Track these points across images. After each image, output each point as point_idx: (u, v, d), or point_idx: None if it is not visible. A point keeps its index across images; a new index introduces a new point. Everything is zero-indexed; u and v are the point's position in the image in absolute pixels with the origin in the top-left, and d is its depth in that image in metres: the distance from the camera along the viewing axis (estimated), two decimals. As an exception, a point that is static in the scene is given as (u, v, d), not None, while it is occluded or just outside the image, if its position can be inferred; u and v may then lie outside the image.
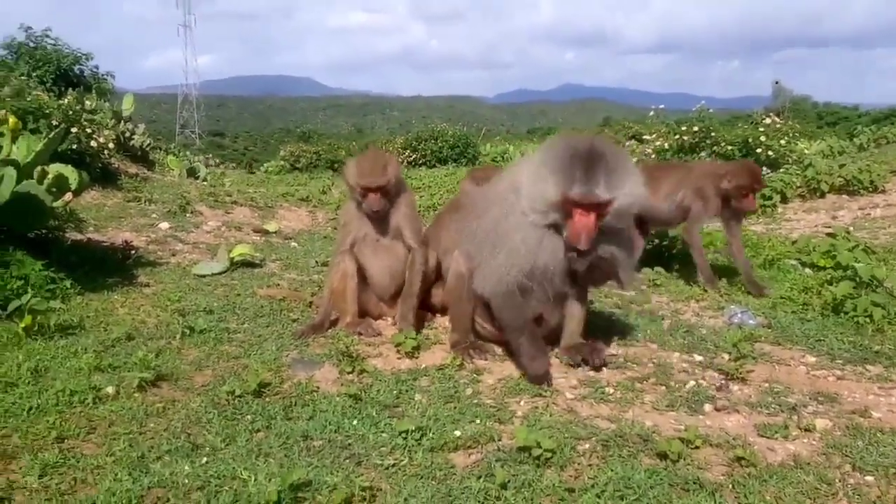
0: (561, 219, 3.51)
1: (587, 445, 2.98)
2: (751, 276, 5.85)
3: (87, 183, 5.86)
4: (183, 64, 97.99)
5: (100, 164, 8.94)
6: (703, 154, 12.38)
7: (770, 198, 11.12)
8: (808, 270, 6.27)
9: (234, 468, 2.75)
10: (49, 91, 12.52)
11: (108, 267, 5.62)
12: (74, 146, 8.23)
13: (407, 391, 3.56)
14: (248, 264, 6.22)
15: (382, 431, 3.09)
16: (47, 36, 16.13)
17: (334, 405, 3.36)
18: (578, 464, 2.84)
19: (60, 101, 9.55)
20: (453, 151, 21.83)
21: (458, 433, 3.06)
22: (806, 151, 13.74)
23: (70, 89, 12.97)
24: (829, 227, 8.98)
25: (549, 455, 2.82)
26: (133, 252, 6.10)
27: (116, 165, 9.87)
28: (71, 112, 8.79)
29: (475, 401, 3.45)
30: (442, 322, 4.75)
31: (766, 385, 3.71)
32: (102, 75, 16.95)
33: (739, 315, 4.93)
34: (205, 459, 2.84)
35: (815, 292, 5.38)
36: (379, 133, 78.86)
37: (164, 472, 2.71)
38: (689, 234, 6.09)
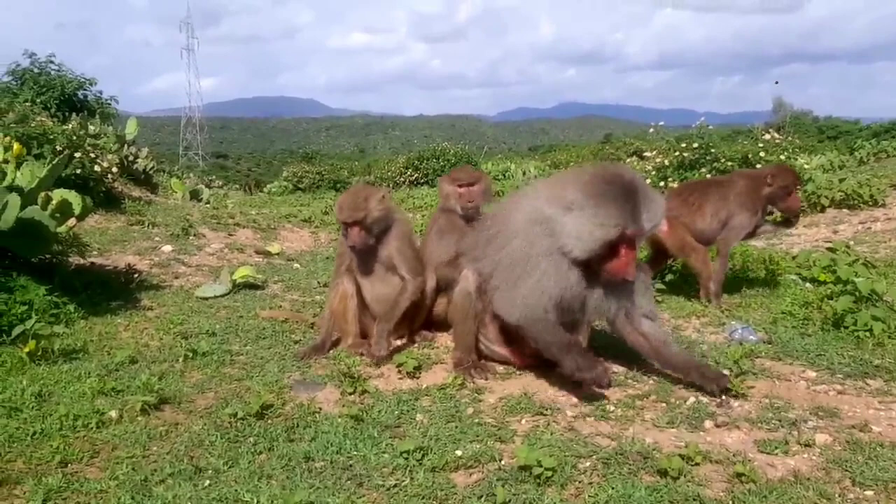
0: (605, 254, 3.61)
1: (588, 463, 2.99)
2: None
3: (91, 207, 5.91)
4: (186, 87, 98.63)
5: (103, 189, 9.01)
6: (703, 170, 12.40)
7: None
8: (808, 285, 6.27)
9: (236, 490, 2.77)
10: (53, 116, 12.62)
11: (112, 291, 5.66)
12: (78, 171, 8.30)
13: (408, 411, 3.58)
14: (250, 286, 6.26)
15: (384, 452, 3.11)
16: (51, 62, 16.27)
17: (336, 426, 3.38)
18: (579, 482, 2.85)
19: (64, 127, 9.63)
20: (455, 170, 21.90)
21: (459, 453, 3.08)
22: (806, 166, 13.74)
23: (74, 114, 13.07)
24: (830, 241, 8.97)
25: (549, 474, 2.83)
26: (136, 275, 6.14)
27: (120, 189, 9.94)
28: (75, 137, 8.87)
29: (476, 420, 3.46)
30: (443, 341, 4.77)
31: (767, 401, 3.72)
32: (106, 100, 17.07)
33: (740, 331, 4.94)
34: (207, 482, 2.86)
35: (815, 307, 5.38)
36: (381, 153, 79.16)
37: (167, 495, 2.73)
38: (727, 244, 6.10)
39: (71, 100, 15.80)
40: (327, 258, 8.30)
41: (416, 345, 4.68)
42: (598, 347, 4.59)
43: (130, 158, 11.45)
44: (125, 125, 12.38)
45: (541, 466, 2.85)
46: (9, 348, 4.25)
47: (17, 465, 2.94)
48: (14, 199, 4.84)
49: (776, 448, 3.13)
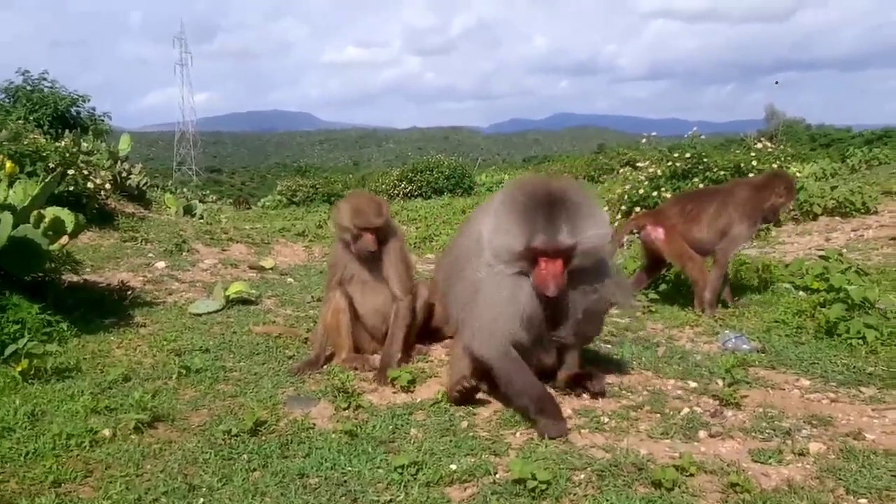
0: (527, 266, 3.49)
1: (582, 476, 2.99)
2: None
3: (84, 225, 5.90)
4: (180, 102, 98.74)
5: (96, 206, 9.00)
6: (696, 180, 12.43)
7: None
8: (801, 293, 6.29)
9: (230, 508, 2.76)
10: (46, 133, 12.62)
11: (105, 308, 5.65)
12: (71, 188, 8.28)
13: (402, 426, 3.58)
14: (243, 301, 6.25)
15: (378, 467, 3.11)
16: (44, 79, 16.31)
17: (330, 442, 3.37)
18: (574, 494, 2.84)
19: (57, 144, 9.63)
20: (449, 182, 21.98)
21: (453, 467, 3.07)
22: (798, 174, 13.81)
23: (67, 131, 13.06)
24: (823, 249, 9.00)
25: (544, 487, 2.83)
26: (129, 292, 6.13)
27: (113, 206, 9.93)
28: (68, 154, 8.87)
29: (470, 434, 3.46)
30: (437, 354, 4.77)
31: (761, 410, 3.72)
32: (99, 116, 17.10)
33: (733, 340, 4.95)
34: (201, 500, 2.85)
35: (808, 315, 5.39)
36: (375, 165, 79.27)
37: (161, 513, 2.72)
38: (726, 254, 6.10)
39: (64, 117, 15.82)
40: (321, 272, 8.30)
41: (410, 359, 4.66)
42: (590, 358, 4.61)
43: (124, 174, 11.44)
44: (118, 141, 12.36)
45: (535, 479, 2.84)
46: (1, 367, 4.23)
47: (10, 485, 2.92)
48: (6, 218, 4.84)
49: (770, 457, 3.14)
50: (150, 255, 7.96)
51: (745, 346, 4.86)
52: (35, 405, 3.69)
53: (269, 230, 11.34)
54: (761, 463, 3.11)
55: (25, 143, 8.83)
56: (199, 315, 5.80)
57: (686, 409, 3.73)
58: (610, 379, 4.20)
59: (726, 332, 5.20)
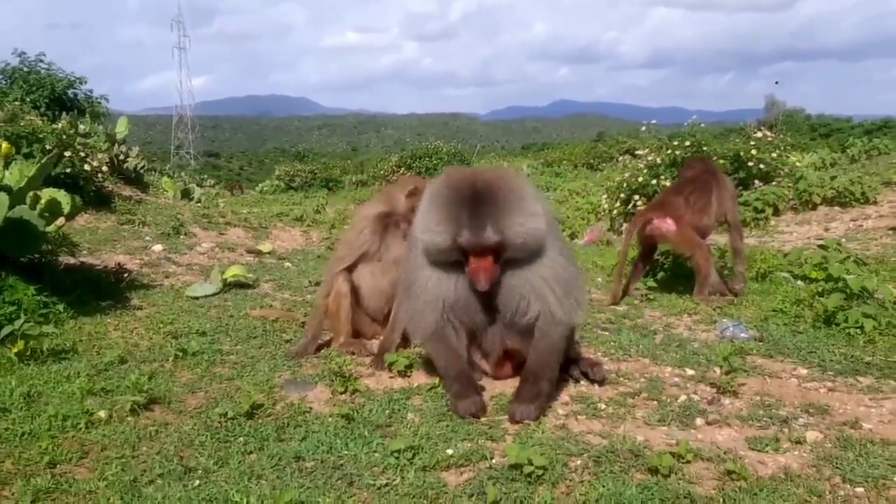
0: (460, 258, 3.45)
1: (579, 462, 2.98)
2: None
3: (80, 207, 5.87)
4: (177, 85, 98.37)
5: (93, 188, 8.97)
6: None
7: (762, 210, 11.17)
8: (800, 283, 6.29)
9: (226, 490, 2.75)
10: (43, 115, 12.57)
11: (102, 290, 5.63)
12: (68, 170, 8.26)
13: (399, 410, 3.57)
14: (241, 285, 6.24)
15: (375, 451, 3.10)
16: (41, 61, 16.25)
17: (327, 426, 3.36)
18: (570, 480, 2.84)
19: (54, 126, 9.59)
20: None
21: (450, 452, 3.06)
22: (798, 164, 13.77)
23: (64, 113, 13.02)
24: (822, 239, 9.00)
25: (540, 472, 2.82)
26: (126, 275, 6.11)
27: (110, 188, 9.90)
28: (65, 136, 8.83)
29: (467, 419, 3.45)
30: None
31: (758, 398, 3.72)
32: (96, 98, 17.06)
33: (731, 328, 4.95)
34: (197, 482, 2.84)
35: (806, 304, 5.39)
36: (374, 151, 79.15)
37: (157, 495, 2.71)
38: (742, 239, 6.56)
39: (61, 98, 15.78)
40: (318, 257, 8.29)
41: (409, 345, 4.65)
42: (588, 345, 4.61)
43: (121, 157, 11.40)
44: (116, 124, 12.31)
45: (532, 465, 2.84)
46: (-3, 349, 4.22)
47: (5, 465, 2.91)
48: (2, 199, 4.81)
49: (767, 445, 3.13)
50: (148, 238, 7.94)
51: (742, 335, 4.86)
52: (31, 386, 3.67)
53: (266, 215, 11.32)
54: (758, 451, 3.11)
55: (22, 124, 8.80)
56: (196, 298, 5.79)
57: (683, 397, 3.73)
58: (608, 366, 4.20)
59: (724, 320, 5.20)
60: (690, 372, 4.15)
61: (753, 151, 12.60)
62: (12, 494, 2.71)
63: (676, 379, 4.04)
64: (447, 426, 3.36)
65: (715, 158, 12.41)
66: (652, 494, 2.70)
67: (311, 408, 3.61)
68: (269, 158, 79.64)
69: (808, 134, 43.32)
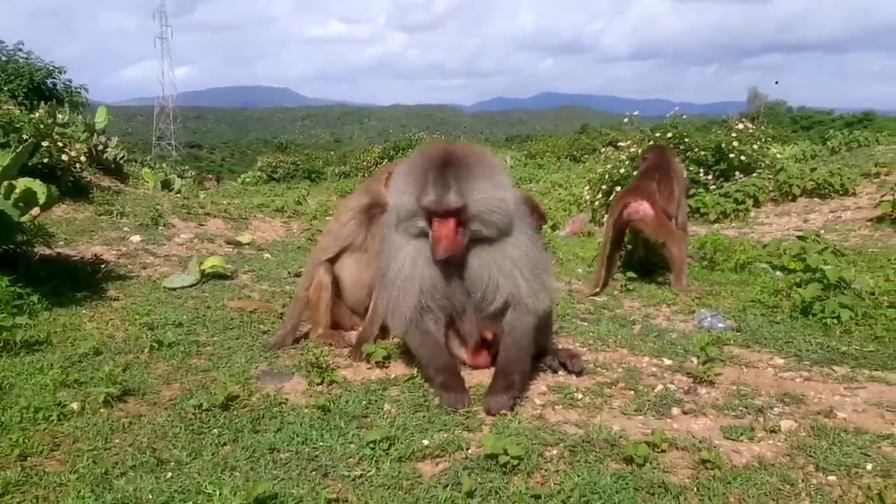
0: (427, 228, 3.44)
1: (554, 451, 2.98)
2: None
3: (56, 197, 5.80)
4: (159, 75, 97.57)
5: (71, 178, 8.86)
6: (677, 159, 12.45)
7: (743, 202, 11.22)
8: (778, 273, 6.33)
9: (199, 482, 2.73)
10: (21, 105, 12.40)
11: (78, 281, 5.57)
12: (45, 160, 8.15)
13: (376, 401, 3.55)
14: (219, 276, 6.19)
15: (350, 442, 3.08)
16: (20, 49, 16.05)
17: (302, 417, 3.34)
18: (545, 470, 2.84)
19: (32, 115, 9.45)
20: (431, 160, 21.94)
21: (426, 442, 3.05)
22: (779, 156, 13.84)
23: (42, 103, 12.85)
24: (801, 230, 9.07)
25: (516, 462, 2.82)
26: (103, 266, 6.05)
27: (88, 179, 9.79)
28: (42, 126, 8.71)
29: (449, 410, 3.44)
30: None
31: (734, 387, 3.74)
32: (76, 88, 16.86)
33: (709, 318, 4.97)
34: (169, 474, 2.81)
35: (784, 295, 5.42)
36: (357, 142, 78.93)
37: (128, 488, 2.68)
38: (685, 225, 6.58)
39: (39, 88, 15.59)
40: (299, 248, 8.25)
41: (386, 336, 4.63)
42: (566, 335, 4.61)
43: (100, 148, 11.27)
44: (95, 114, 12.16)
45: (507, 455, 2.83)
46: (-31, 340, 4.16)
47: (-25, 458, 2.88)
48: (-25, 189, 4.75)
49: (742, 434, 3.14)
50: (126, 228, 7.86)
51: (720, 325, 4.88)
52: (3, 378, 3.63)
53: (247, 206, 11.23)
54: (733, 440, 3.12)
55: (-1, 113, 8.67)
56: (174, 289, 5.74)
57: (660, 387, 3.73)
58: (586, 356, 4.20)
59: (702, 310, 5.22)
60: (668, 362, 4.16)
61: (735, 143, 12.66)
62: (-18, 487, 2.67)
63: (654, 369, 4.05)
64: (424, 417, 3.34)
65: (696, 150, 12.47)
66: (626, 484, 2.70)
67: (287, 399, 3.59)
68: (251, 149, 79.31)
69: (789, 126, 43.60)
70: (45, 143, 8.26)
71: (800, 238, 6.94)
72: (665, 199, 6.23)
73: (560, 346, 4.21)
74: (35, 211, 5.34)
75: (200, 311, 5.13)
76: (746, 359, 4.22)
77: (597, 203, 12.97)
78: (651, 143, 12.91)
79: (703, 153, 12.54)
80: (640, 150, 12.97)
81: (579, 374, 3.88)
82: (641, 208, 6.14)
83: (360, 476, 2.81)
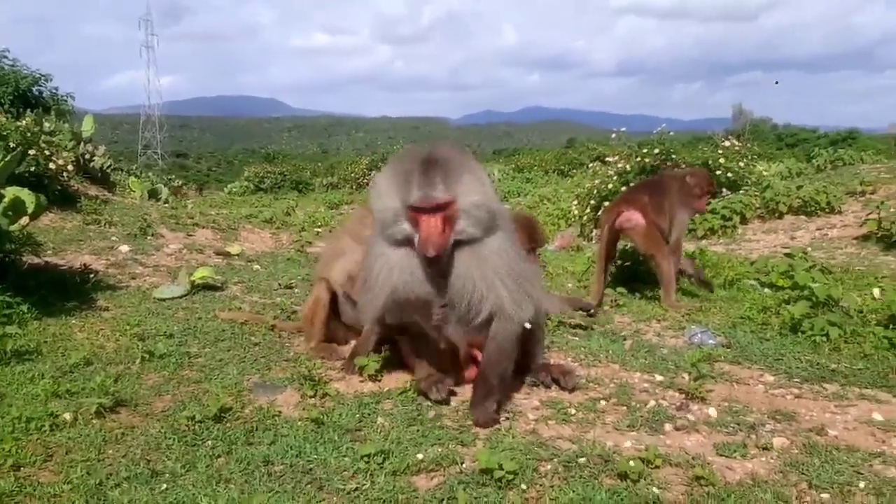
0: (413, 231, 3.44)
1: (549, 466, 2.99)
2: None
3: (45, 206, 5.77)
4: (145, 84, 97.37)
5: (58, 187, 8.82)
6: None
7: (730, 218, 11.29)
8: (766, 290, 6.37)
9: (193, 494, 2.72)
10: (7, 112, 12.33)
11: (67, 291, 5.54)
12: (32, 168, 8.11)
13: (369, 415, 3.55)
14: (209, 287, 6.16)
15: (344, 455, 3.08)
16: (5, 57, 16.02)
17: (296, 430, 3.34)
18: (540, 485, 2.85)
19: (18, 123, 9.40)
20: (418, 172, 21.96)
21: (420, 456, 3.05)
22: (765, 173, 13.98)
23: (28, 110, 12.79)
24: (788, 247, 9.13)
25: (510, 477, 2.83)
26: (92, 275, 6.01)
27: (76, 188, 9.74)
28: (29, 134, 8.66)
29: (438, 423, 3.44)
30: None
31: (726, 404, 3.76)
32: (62, 96, 16.83)
33: (699, 335, 4.99)
34: (164, 486, 2.81)
35: (773, 312, 5.46)
36: (344, 154, 78.89)
37: (123, 499, 2.68)
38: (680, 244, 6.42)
39: (25, 95, 15.54)
40: (288, 260, 8.23)
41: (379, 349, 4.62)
42: (558, 350, 4.63)
43: (87, 156, 11.21)
44: (82, 122, 12.11)
45: (502, 470, 2.84)
46: (-41, 349, 4.13)
47: (-34, 469, 2.86)
48: (-35, 197, 4.72)
49: (734, 451, 3.16)
50: (114, 238, 7.82)
51: (710, 341, 4.91)
52: (-7, 388, 3.61)
53: (235, 216, 11.20)
54: (726, 456, 3.14)
55: (-15, 121, 8.62)
56: (164, 300, 5.71)
57: (652, 402, 3.75)
58: (578, 371, 4.21)
59: (692, 326, 5.24)
60: (659, 378, 4.17)
61: (721, 160, 12.76)
62: (-27, 498, 2.65)
63: (646, 384, 4.07)
64: (418, 431, 3.35)
65: (684, 166, 12.56)
66: (621, 499, 2.72)
67: (280, 411, 3.58)
68: (238, 159, 79.13)
69: (774, 143, 43.98)
70: (31, 152, 8.22)
71: (787, 255, 6.97)
72: (655, 213, 6.20)
73: (552, 362, 4.22)
74: (24, 220, 5.31)
75: (191, 322, 5.11)
76: (737, 375, 4.24)
77: (585, 218, 13.02)
78: (639, 159, 13.02)
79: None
80: (627, 166, 13.08)
81: (572, 391, 3.89)
82: (633, 217, 6.17)
83: (356, 490, 2.81)
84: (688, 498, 2.75)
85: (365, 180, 23.63)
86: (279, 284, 6.61)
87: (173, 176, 25.80)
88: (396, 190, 3.42)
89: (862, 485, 2.85)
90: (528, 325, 3.67)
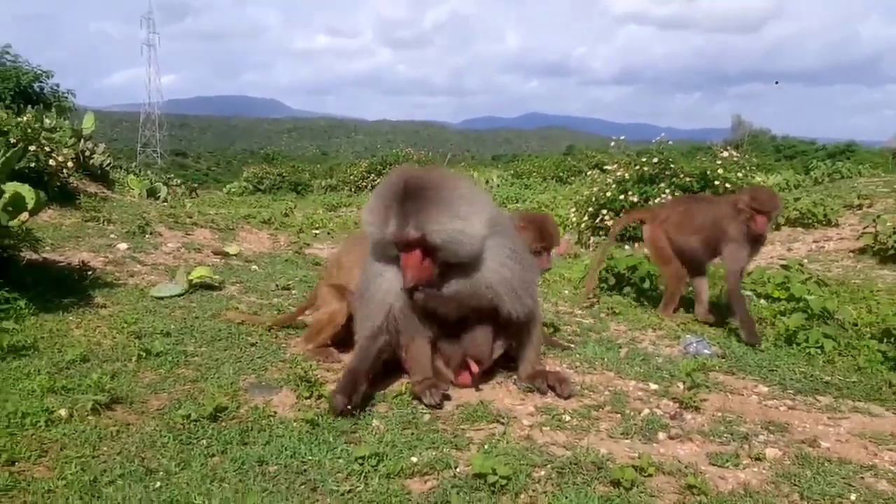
0: (397, 252, 3.52)
1: (542, 472, 3.00)
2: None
3: (44, 202, 5.78)
4: (146, 82, 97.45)
5: (58, 184, 8.84)
6: (662, 185, 12.57)
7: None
8: (762, 301, 6.39)
9: (188, 493, 2.73)
10: (8, 108, 12.37)
11: (65, 287, 5.55)
12: (32, 164, 8.13)
13: (364, 417, 3.56)
14: (207, 287, 6.17)
15: (339, 457, 3.09)
16: (7, 53, 16.02)
17: (291, 430, 3.34)
18: (533, 491, 2.85)
19: (19, 119, 9.43)
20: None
21: (414, 459, 3.06)
22: (762, 184, 14.01)
23: (29, 107, 12.81)
24: (784, 259, 9.16)
25: (504, 482, 2.83)
26: (90, 273, 6.02)
27: (75, 185, 9.76)
28: (30, 130, 8.69)
29: (432, 427, 3.45)
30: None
31: (719, 414, 3.77)
32: (63, 93, 16.84)
33: (695, 345, 5.01)
34: (158, 484, 2.81)
35: (768, 323, 5.49)
36: (343, 156, 78.95)
37: (117, 496, 2.68)
38: (734, 276, 5.66)
39: (26, 92, 15.55)
40: (286, 261, 8.24)
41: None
42: (553, 357, 4.64)
43: (87, 153, 11.24)
44: (82, 119, 12.12)
45: (496, 474, 2.84)
46: (-44, 344, 4.13)
47: (-39, 463, 2.86)
48: (-35, 192, 4.73)
49: (727, 461, 3.18)
50: (112, 235, 7.83)
51: (705, 351, 4.92)
52: (-11, 382, 3.61)
53: (234, 216, 11.22)
54: (718, 466, 3.15)
55: (-14, 116, 8.64)
56: (161, 298, 5.72)
57: (646, 411, 3.76)
58: (573, 378, 4.22)
59: (688, 336, 5.26)
60: (654, 386, 4.19)
61: (720, 171, 12.80)
62: (-32, 492, 2.66)
63: (640, 393, 4.08)
64: (412, 434, 3.36)
65: (682, 176, 12.60)
66: (614, 507, 2.73)
67: (275, 412, 3.59)
68: (237, 160, 79.13)
69: (772, 155, 44.08)
70: (32, 148, 8.24)
71: (783, 267, 7.00)
72: (676, 230, 5.92)
73: (549, 368, 4.24)
74: (23, 216, 5.32)
75: (188, 321, 5.12)
76: (731, 386, 4.26)
77: (583, 225, 13.05)
78: (637, 167, 13.03)
79: (688, 179, 12.66)
80: (626, 174, 13.11)
81: (568, 398, 3.90)
82: (645, 228, 6.17)
83: (349, 491, 2.81)
84: (680, 506, 2.77)
85: (364, 183, 23.66)
86: (277, 285, 6.62)
87: (172, 175, 25.80)
88: (378, 222, 3.48)
89: (853, 497, 2.86)
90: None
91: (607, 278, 7.11)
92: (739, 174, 13.13)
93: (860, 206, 12.37)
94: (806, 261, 8.54)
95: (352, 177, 25.67)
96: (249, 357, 4.41)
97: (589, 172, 19.46)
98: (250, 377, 4.07)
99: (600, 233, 12.27)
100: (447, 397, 3.77)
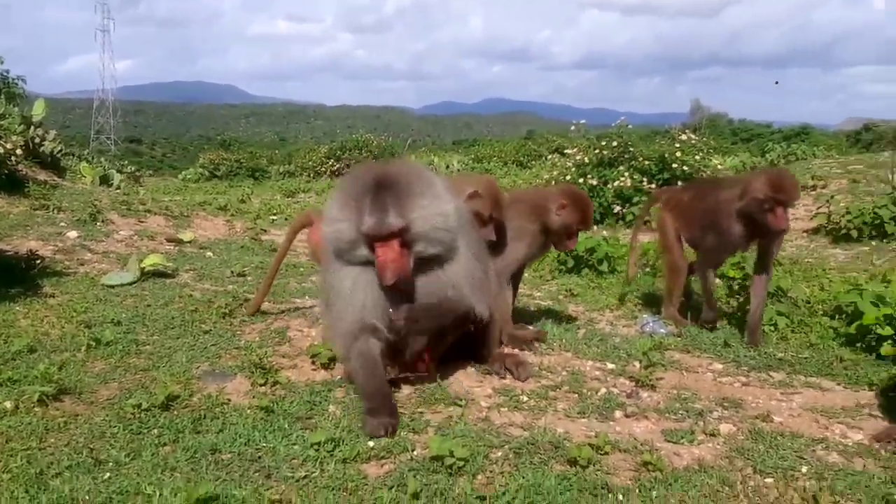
0: (370, 255, 3.34)
1: (500, 453, 2.99)
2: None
3: (-9, 190, 5.62)
4: (100, 68, 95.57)
5: (6, 171, 8.59)
6: (621, 168, 12.64)
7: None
8: (717, 280, 6.45)
9: (138, 483, 2.67)
10: (-47, 94, 12.02)
11: (12, 277, 5.40)
12: (-22, 152, 7.90)
13: (321, 403, 3.52)
14: (159, 274, 6.06)
15: (294, 444, 3.05)
16: (-48, 37, 15.54)
17: (245, 418, 3.30)
18: (491, 472, 2.85)
19: (-35, 105, 9.16)
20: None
21: (371, 444, 3.04)
22: (720, 167, 14.15)
23: (-24, 93, 12.46)
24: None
25: (461, 464, 2.82)
26: (38, 261, 5.87)
27: (24, 172, 9.50)
28: (-24, 116, 8.45)
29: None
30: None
31: (675, 392, 3.80)
32: (13, 79, 16.42)
33: (651, 324, 5.05)
34: (108, 475, 2.75)
35: (723, 302, 5.53)
36: (303, 142, 78.22)
37: (64, 488, 2.62)
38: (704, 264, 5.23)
39: (-26, 78, 15.11)
40: (242, 247, 8.13)
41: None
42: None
43: (37, 140, 10.94)
44: (32, 106, 11.81)
45: (453, 457, 2.83)
46: None
47: None
48: None
49: (682, 437, 3.20)
50: (63, 224, 7.65)
51: (661, 330, 4.96)
52: (-69, 375, 3.50)
53: (189, 203, 11.03)
54: (673, 443, 3.17)
55: (-70, 103, 8.38)
56: (112, 287, 5.60)
57: (603, 390, 3.78)
58: (531, 359, 4.23)
59: (644, 315, 5.30)
60: (611, 366, 4.21)
61: (678, 153, 12.89)
62: None
63: (597, 372, 4.10)
64: (369, 418, 3.32)
65: (641, 159, 12.67)
66: (570, 485, 2.73)
67: (229, 399, 3.53)
68: (193, 146, 78.05)
69: (730, 138, 44.65)
70: (-22, 135, 8.00)
71: (738, 246, 7.07)
72: (684, 218, 5.32)
73: (506, 351, 4.23)
74: (-32, 203, 5.17)
75: (140, 309, 5.02)
76: (687, 364, 4.30)
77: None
78: (597, 151, 13.08)
79: (647, 163, 12.74)
80: (586, 158, 13.15)
81: (525, 381, 3.89)
82: (657, 213, 5.71)
83: (305, 477, 2.78)
84: (635, 483, 2.78)
85: (322, 168, 23.45)
86: (232, 272, 6.52)
87: (126, 162, 25.32)
88: (349, 216, 3.32)
89: (805, 469, 2.90)
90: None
91: (566, 261, 7.14)
92: (697, 157, 13.23)
93: (814, 188, 12.57)
94: (761, 240, 8.65)
95: (310, 162, 25.40)
96: (203, 345, 4.34)
97: (549, 157, 19.52)
98: (203, 365, 4.00)
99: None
100: (406, 380, 3.74)
